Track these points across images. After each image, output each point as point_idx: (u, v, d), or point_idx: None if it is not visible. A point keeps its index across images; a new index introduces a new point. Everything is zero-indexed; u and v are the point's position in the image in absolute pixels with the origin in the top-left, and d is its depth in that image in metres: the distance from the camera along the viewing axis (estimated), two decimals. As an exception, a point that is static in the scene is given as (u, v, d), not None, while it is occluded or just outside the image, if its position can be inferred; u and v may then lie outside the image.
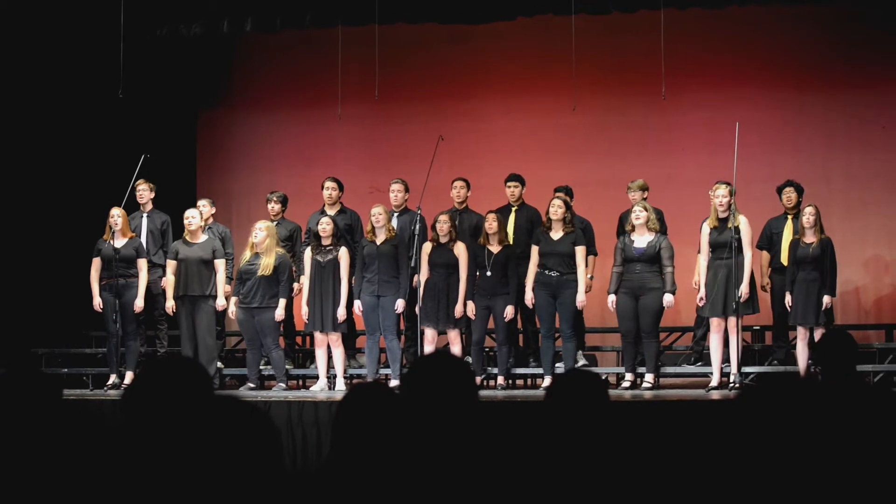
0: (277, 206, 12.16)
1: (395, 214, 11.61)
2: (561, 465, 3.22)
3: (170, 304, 11.43)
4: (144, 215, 12.15)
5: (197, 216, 11.46)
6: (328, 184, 11.92)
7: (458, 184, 11.80)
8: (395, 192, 11.77)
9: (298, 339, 12.92)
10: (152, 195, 12.17)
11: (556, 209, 10.87)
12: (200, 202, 12.16)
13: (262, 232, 11.19)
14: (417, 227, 11.24)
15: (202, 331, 11.22)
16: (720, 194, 10.51)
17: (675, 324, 12.47)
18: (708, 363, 11.28)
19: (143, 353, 11.66)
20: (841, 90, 13.74)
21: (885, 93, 13.63)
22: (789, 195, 11.27)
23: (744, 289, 10.35)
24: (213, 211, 12.31)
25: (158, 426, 2.78)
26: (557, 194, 11.35)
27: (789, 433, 1.95)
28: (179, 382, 2.92)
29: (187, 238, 11.41)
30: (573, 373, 3.71)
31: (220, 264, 11.37)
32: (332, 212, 11.81)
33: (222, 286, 11.37)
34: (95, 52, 12.86)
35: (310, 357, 12.43)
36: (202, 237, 11.46)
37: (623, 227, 11.36)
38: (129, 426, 2.91)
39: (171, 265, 11.41)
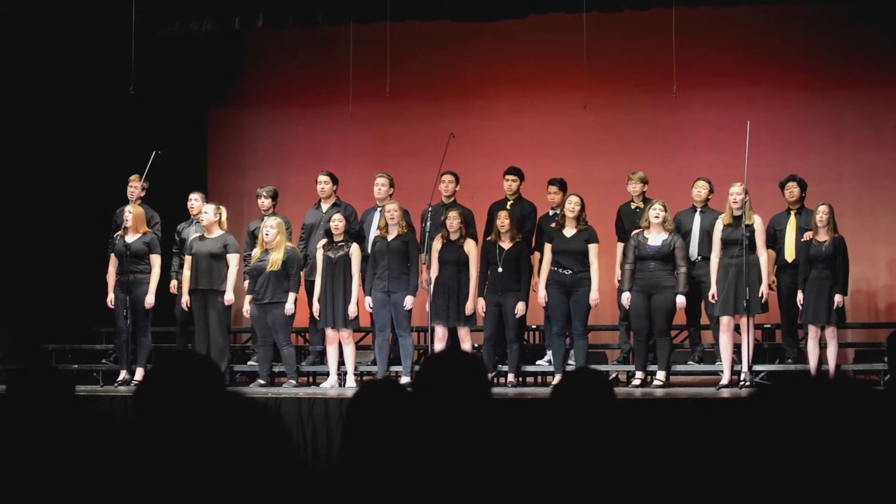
0: (268, 202, 12.03)
1: (378, 209, 11.61)
2: (567, 463, 3.22)
3: (184, 300, 11.45)
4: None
5: (210, 212, 11.45)
6: (321, 178, 11.92)
7: (447, 177, 11.78)
8: (380, 186, 11.74)
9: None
10: (143, 193, 12.04)
11: (574, 206, 10.87)
12: (193, 195, 12.09)
13: (272, 230, 11.21)
14: (429, 223, 11.25)
15: (213, 327, 11.24)
16: (734, 192, 10.52)
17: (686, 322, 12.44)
18: (709, 361, 11.35)
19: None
20: (852, 89, 13.71)
21: (896, 92, 13.62)
22: (792, 190, 11.26)
23: (763, 289, 10.38)
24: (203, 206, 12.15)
25: (169, 423, 2.78)
26: (551, 186, 11.45)
27: (802, 433, 1.95)
28: (191, 379, 2.92)
29: (204, 233, 11.44)
30: (579, 372, 3.71)
31: (232, 259, 11.37)
32: (326, 206, 11.83)
33: (232, 281, 11.36)
34: (107, 49, 12.88)
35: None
36: (217, 232, 11.46)
37: (622, 221, 11.51)
38: (139, 423, 2.91)
39: (187, 261, 11.44)
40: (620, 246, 11.56)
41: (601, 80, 13.01)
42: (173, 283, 11.87)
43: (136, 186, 11.94)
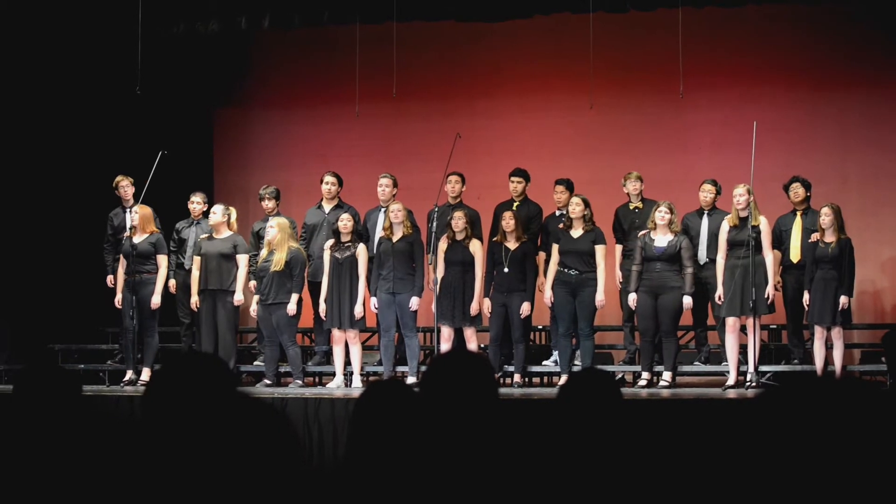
0: (272, 203, 12.05)
1: (382, 210, 11.61)
2: (573, 464, 3.22)
3: (194, 300, 11.45)
4: (129, 211, 12.04)
5: (218, 212, 11.46)
6: (328, 178, 11.90)
7: (454, 178, 11.77)
8: (383, 187, 11.72)
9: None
10: (133, 190, 12.04)
11: (575, 207, 10.87)
12: (194, 197, 12.10)
13: (273, 229, 11.21)
14: (435, 224, 11.25)
15: (222, 327, 11.24)
16: (738, 193, 10.53)
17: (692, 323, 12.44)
18: (715, 362, 11.36)
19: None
20: (857, 90, 13.70)
21: (901, 92, 13.61)
22: (796, 191, 11.26)
23: (770, 290, 10.39)
24: (206, 208, 12.15)
25: (178, 423, 2.78)
26: (558, 186, 11.53)
27: (809, 433, 1.95)
28: (201, 379, 2.92)
29: (212, 234, 11.45)
30: (585, 372, 3.71)
31: (241, 259, 11.37)
32: (329, 206, 11.83)
33: (241, 281, 11.37)
34: (113, 49, 12.88)
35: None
36: (226, 233, 11.47)
37: (620, 222, 11.54)
38: (148, 422, 2.91)
39: (195, 261, 11.45)
40: (619, 247, 11.59)
41: (607, 81, 13.03)
42: (171, 282, 11.86)
43: (126, 186, 11.94)
